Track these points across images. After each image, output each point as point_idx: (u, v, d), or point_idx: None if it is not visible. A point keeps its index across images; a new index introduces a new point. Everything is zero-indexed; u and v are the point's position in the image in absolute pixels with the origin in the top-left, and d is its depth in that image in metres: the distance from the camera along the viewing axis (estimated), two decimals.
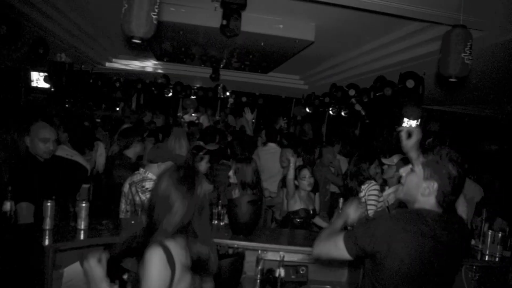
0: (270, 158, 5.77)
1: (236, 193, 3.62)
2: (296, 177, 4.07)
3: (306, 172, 4.10)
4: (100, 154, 5.61)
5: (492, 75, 6.39)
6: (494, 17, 4.16)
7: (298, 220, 3.97)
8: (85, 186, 4.56)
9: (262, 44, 6.68)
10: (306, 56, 7.67)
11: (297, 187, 4.08)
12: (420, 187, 1.80)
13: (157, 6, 2.93)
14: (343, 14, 5.10)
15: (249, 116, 6.72)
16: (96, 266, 1.71)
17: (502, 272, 3.06)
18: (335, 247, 1.85)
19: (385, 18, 4.89)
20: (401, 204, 3.08)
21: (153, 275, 1.59)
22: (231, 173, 3.69)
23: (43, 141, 3.17)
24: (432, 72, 5.65)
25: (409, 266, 1.69)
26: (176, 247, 1.65)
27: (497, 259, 3.05)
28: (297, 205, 4.00)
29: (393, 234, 1.71)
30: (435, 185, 1.76)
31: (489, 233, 3.15)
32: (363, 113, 8.91)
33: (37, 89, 10.41)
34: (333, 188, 6.00)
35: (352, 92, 8.19)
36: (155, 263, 1.59)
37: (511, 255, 3.10)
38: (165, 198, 1.70)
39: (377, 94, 6.95)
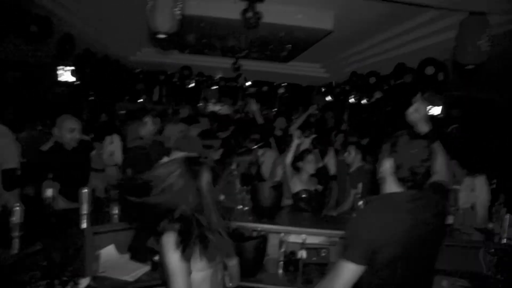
0: None
1: (238, 186, 3.75)
2: (301, 159, 4.23)
3: (312, 157, 4.27)
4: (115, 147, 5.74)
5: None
6: None
7: (302, 202, 4.08)
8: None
9: (282, 34, 6.77)
10: (326, 44, 7.69)
11: (299, 170, 4.23)
12: (383, 164, 1.94)
13: (180, 3, 3.08)
14: (361, 2, 5.14)
15: (254, 107, 6.84)
16: None
17: None
18: (345, 271, 1.78)
19: (403, 6, 4.90)
20: None
21: (171, 259, 1.73)
22: (233, 166, 3.87)
23: (70, 131, 3.44)
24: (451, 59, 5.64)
25: (394, 251, 1.78)
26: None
27: None
28: (297, 187, 4.14)
29: (376, 227, 1.78)
30: (391, 161, 1.88)
31: (507, 217, 3.20)
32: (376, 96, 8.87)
33: (61, 82, 10.74)
34: None
35: (372, 80, 8.19)
36: (170, 247, 1.73)
37: None
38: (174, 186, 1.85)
39: (397, 81, 6.96)
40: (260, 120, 6.61)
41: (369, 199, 1.98)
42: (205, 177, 1.91)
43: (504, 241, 3.16)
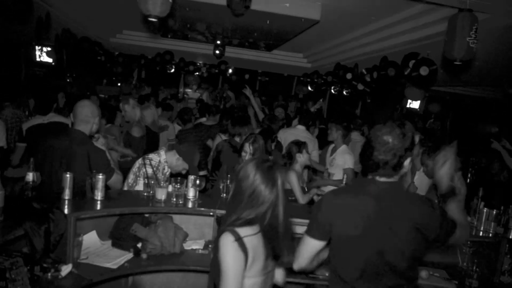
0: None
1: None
2: (299, 151, 4.22)
3: (309, 147, 4.33)
4: None
5: (496, 57, 6.44)
6: (500, 0, 4.21)
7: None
8: None
9: (267, 22, 6.73)
10: (311, 35, 7.70)
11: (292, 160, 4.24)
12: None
13: None
14: None
15: (247, 92, 6.83)
16: None
17: (494, 247, 3.20)
18: (306, 245, 2.02)
19: None
20: None
21: (228, 261, 1.72)
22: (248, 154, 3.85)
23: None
24: (436, 53, 5.71)
25: (347, 231, 1.90)
26: (248, 233, 1.77)
27: (490, 235, 3.20)
28: None
29: (333, 206, 1.95)
30: None
31: (484, 210, 3.29)
32: (367, 89, 8.88)
33: (39, 63, 10.42)
34: None
35: (355, 72, 8.24)
36: (228, 250, 1.72)
37: (504, 231, 3.24)
38: (253, 189, 1.79)
39: (381, 73, 7.02)
40: (260, 114, 6.56)
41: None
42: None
43: (481, 233, 3.24)
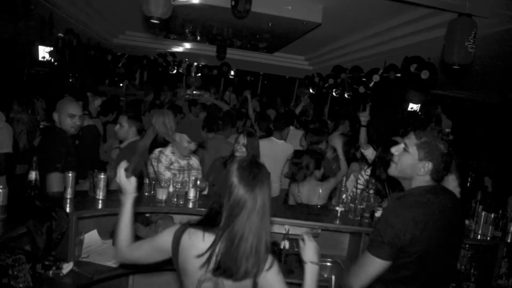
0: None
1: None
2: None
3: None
4: None
5: (495, 62, 6.46)
6: (499, 6, 4.23)
7: None
8: None
9: (269, 24, 6.76)
10: (312, 37, 7.73)
11: None
12: (416, 168, 1.93)
13: None
14: None
15: (247, 94, 6.84)
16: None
17: (492, 250, 3.22)
18: (370, 264, 1.87)
19: (391, 3, 4.95)
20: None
21: None
22: (241, 145, 3.66)
23: (70, 116, 3.29)
24: (437, 57, 5.73)
25: (424, 246, 1.85)
26: None
27: (488, 238, 3.22)
28: None
29: (412, 224, 1.82)
30: (430, 165, 1.90)
31: (483, 214, 3.30)
32: (368, 92, 8.84)
33: (42, 62, 10.43)
34: None
35: (356, 75, 8.26)
36: None
37: (502, 235, 3.26)
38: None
39: (383, 75, 7.03)
40: (251, 112, 6.59)
41: (398, 195, 2.02)
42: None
43: (479, 237, 3.26)
